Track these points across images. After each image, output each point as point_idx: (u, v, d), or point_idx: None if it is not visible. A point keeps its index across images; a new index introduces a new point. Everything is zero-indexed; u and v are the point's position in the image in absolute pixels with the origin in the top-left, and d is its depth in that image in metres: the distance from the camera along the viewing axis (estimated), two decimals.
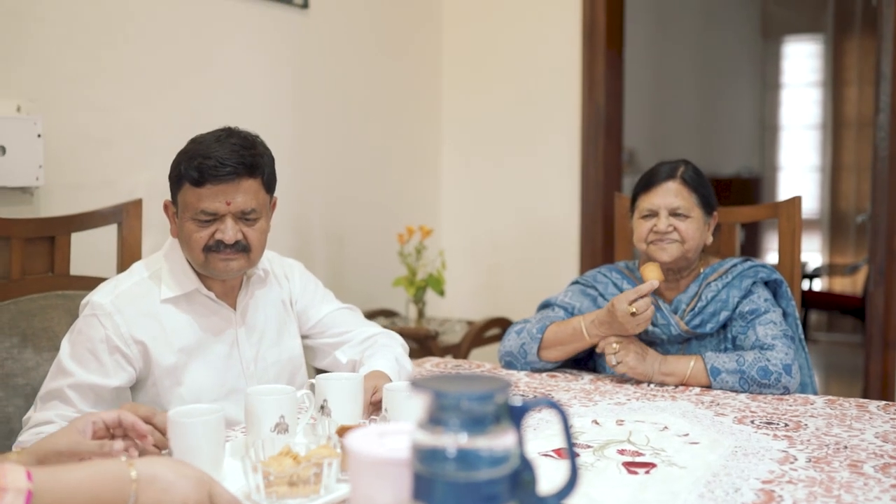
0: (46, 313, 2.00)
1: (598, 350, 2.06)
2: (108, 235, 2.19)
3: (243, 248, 1.76)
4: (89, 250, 2.25)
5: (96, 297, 1.77)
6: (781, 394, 1.92)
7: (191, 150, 1.75)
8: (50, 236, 2.04)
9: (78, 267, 2.11)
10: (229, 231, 1.73)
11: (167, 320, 1.79)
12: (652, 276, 2.03)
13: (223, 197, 1.72)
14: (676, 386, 1.99)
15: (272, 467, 1.23)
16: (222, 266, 1.76)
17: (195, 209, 1.72)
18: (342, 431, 1.40)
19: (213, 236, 1.73)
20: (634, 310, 1.96)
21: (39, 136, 2.25)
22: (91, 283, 2.11)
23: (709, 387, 1.97)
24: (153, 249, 2.52)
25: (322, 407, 1.61)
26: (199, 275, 1.83)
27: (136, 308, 1.77)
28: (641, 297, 1.98)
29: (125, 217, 2.15)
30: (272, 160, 1.82)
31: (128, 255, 2.15)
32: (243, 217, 1.75)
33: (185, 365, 1.80)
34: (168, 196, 1.82)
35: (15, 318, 1.94)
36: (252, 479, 1.24)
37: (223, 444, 1.40)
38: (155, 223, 2.60)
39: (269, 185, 1.81)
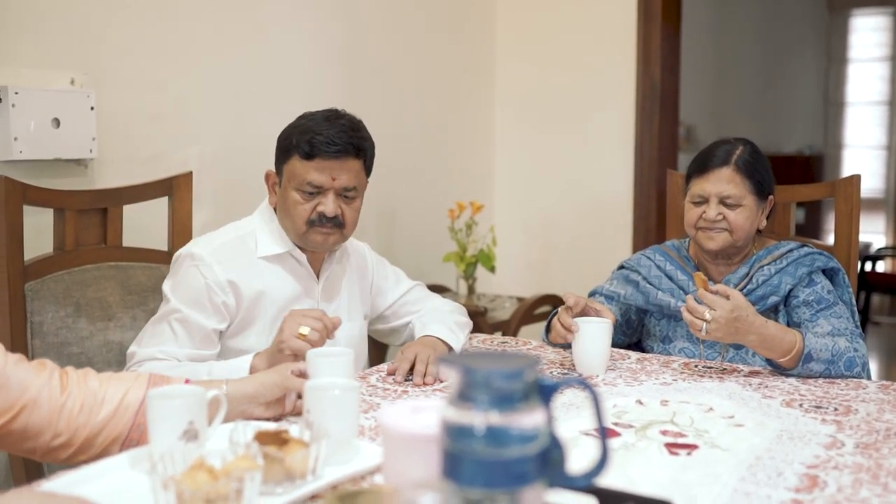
0: (99, 284, 2.04)
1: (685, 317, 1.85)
2: (159, 208, 2.22)
3: (339, 224, 1.88)
4: (141, 222, 2.29)
5: (195, 248, 1.88)
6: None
7: (302, 125, 1.87)
8: (103, 208, 2.07)
9: (130, 239, 2.14)
10: (330, 205, 1.84)
11: (265, 275, 1.91)
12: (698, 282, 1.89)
13: (329, 172, 1.84)
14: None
15: (186, 484, 1.06)
16: (321, 239, 1.88)
17: (302, 180, 1.84)
18: (262, 438, 1.23)
19: (315, 209, 1.85)
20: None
21: (93, 109, 2.29)
22: (143, 254, 2.15)
23: (780, 368, 1.87)
24: (204, 222, 2.56)
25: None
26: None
27: (234, 260, 1.88)
28: None
29: (176, 189, 2.18)
30: (374, 146, 1.93)
31: (178, 226, 2.17)
32: (343, 194, 1.87)
33: (274, 320, 1.88)
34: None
35: (69, 289, 1.98)
36: (162, 497, 1.08)
37: (357, 413, 1.39)
38: (205, 195, 2.64)
39: (369, 168, 1.94)
